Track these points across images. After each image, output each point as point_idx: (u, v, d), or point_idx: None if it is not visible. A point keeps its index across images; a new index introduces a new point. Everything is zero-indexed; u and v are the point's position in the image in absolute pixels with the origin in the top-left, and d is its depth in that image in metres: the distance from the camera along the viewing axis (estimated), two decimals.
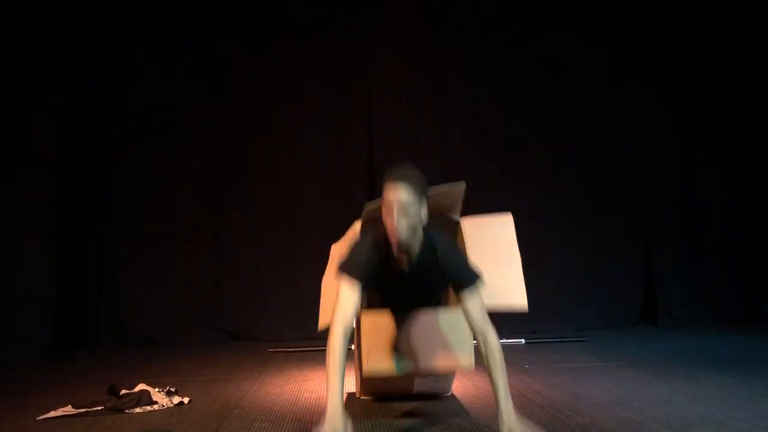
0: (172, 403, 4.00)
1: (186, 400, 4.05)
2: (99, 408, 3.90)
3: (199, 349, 6.11)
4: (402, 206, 2.66)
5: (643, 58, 6.78)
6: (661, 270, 6.58)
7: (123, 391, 4.12)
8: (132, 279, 6.65)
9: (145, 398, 3.99)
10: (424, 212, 2.76)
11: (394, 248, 2.79)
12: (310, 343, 6.06)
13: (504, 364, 2.69)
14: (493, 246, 3.29)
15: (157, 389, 4.12)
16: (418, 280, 2.92)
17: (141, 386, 4.17)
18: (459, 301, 2.76)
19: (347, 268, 2.77)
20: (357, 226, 3.50)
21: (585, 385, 4.06)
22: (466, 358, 3.04)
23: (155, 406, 3.94)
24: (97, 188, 6.67)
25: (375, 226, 2.86)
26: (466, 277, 2.77)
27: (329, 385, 2.64)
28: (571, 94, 6.71)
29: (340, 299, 2.72)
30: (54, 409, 3.84)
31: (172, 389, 4.19)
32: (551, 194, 6.63)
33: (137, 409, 3.88)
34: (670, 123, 6.76)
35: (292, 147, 6.78)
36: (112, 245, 6.69)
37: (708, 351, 5.07)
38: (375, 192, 6.71)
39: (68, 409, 3.86)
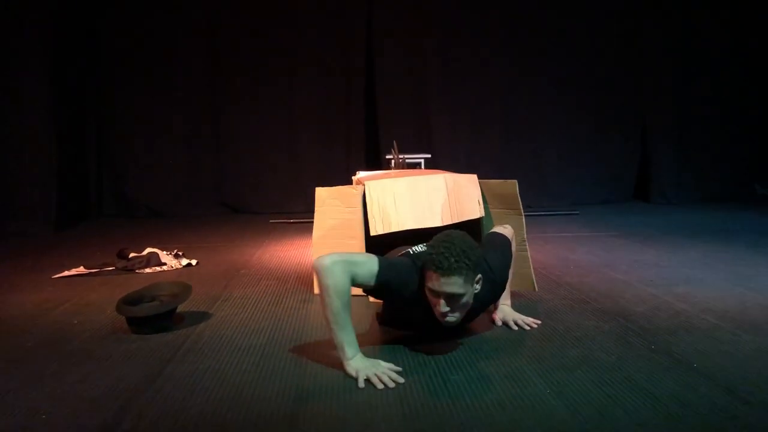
0: (180, 264, 4.18)
1: (194, 262, 4.23)
2: (110, 268, 4.08)
3: (201, 221, 6.28)
4: (454, 300, 2.21)
5: None
6: (655, 151, 6.69)
7: (132, 255, 4.29)
8: (133, 156, 6.73)
9: (154, 260, 4.16)
10: (477, 287, 2.29)
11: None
12: (310, 215, 6.22)
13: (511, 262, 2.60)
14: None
15: (165, 252, 4.29)
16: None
17: (149, 250, 4.34)
18: None
19: (382, 265, 2.30)
20: (357, 186, 3.26)
21: (576, 252, 4.24)
22: (475, 209, 3.06)
23: (164, 267, 4.11)
24: (97, 67, 6.63)
25: (407, 283, 2.33)
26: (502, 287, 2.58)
27: (340, 333, 2.22)
28: None
29: (359, 261, 2.29)
30: (68, 270, 4.01)
31: (180, 252, 4.36)
32: (553, 76, 6.66)
33: (147, 270, 4.05)
34: (671, 7, 6.66)
35: (289, 38, 6.70)
36: (112, 122, 6.73)
37: (695, 224, 5.25)
38: (372, 77, 6.73)
39: (81, 270, 4.03)
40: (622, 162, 6.83)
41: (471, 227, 3.07)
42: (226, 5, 6.70)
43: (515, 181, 3.06)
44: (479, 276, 2.25)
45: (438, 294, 2.20)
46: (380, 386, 2.08)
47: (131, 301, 2.80)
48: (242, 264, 4.18)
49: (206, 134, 6.83)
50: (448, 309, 2.20)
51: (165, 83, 6.70)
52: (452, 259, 2.14)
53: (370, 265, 2.27)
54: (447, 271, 2.15)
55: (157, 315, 2.69)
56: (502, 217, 3.08)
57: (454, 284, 2.16)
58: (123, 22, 6.61)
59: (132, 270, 4.04)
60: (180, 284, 2.98)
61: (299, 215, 6.26)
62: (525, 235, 3.01)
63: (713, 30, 6.59)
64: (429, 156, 5.97)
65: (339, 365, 2.22)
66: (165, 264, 4.14)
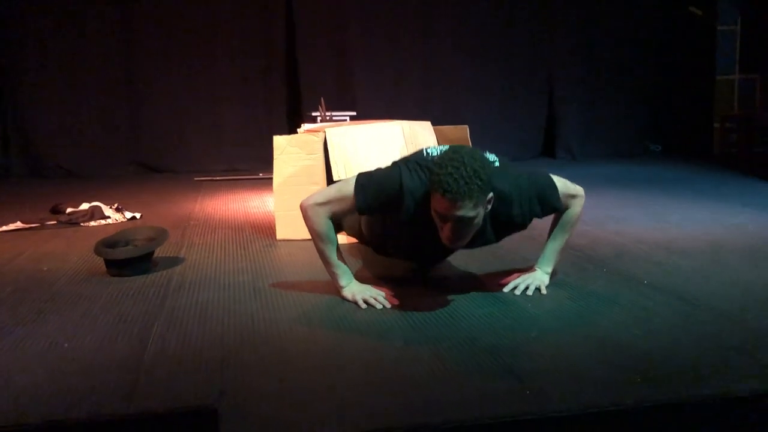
0: (124, 217, 4.18)
1: (138, 215, 4.23)
2: (53, 222, 4.03)
3: (122, 180, 6.17)
4: (464, 224, 2.09)
5: None
6: (562, 110, 7.13)
7: (69, 209, 4.24)
8: (43, 112, 6.47)
9: (98, 213, 4.14)
10: (486, 208, 2.15)
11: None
12: (234, 174, 6.29)
13: (570, 233, 2.52)
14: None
15: (106, 206, 4.27)
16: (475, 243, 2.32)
17: (86, 204, 4.30)
18: None
19: (364, 198, 2.24)
20: (318, 132, 3.34)
21: None
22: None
23: (109, 221, 4.10)
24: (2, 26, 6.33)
25: (412, 193, 2.21)
26: (550, 210, 2.42)
27: (330, 267, 2.35)
28: None
29: (336, 200, 2.29)
30: (5, 225, 3.92)
31: (120, 206, 4.34)
32: (465, 38, 6.94)
33: (92, 223, 4.03)
34: None
35: None
36: (19, 80, 6.43)
37: (602, 175, 5.70)
38: (292, 27, 6.78)
39: (19, 225, 3.96)
40: (529, 121, 7.23)
41: None
42: None
43: (466, 126, 3.30)
44: (491, 195, 2.11)
45: (446, 218, 2.07)
46: (379, 306, 2.28)
47: (107, 245, 2.85)
48: (187, 216, 4.23)
49: (121, 93, 6.65)
50: (453, 235, 2.10)
51: (77, 40, 6.46)
52: (461, 182, 1.98)
53: (347, 204, 2.26)
54: (455, 196, 1.99)
55: (139, 257, 2.76)
56: None
57: (463, 208, 2.02)
58: None
59: (77, 223, 4.01)
60: (154, 228, 3.04)
61: (222, 174, 6.29)
62: None
63: None
64: (354, 113, 6.14)
65: (335, 292, 2.40)
66: (109, 217, 4.13)
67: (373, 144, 3.24)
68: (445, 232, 2.12)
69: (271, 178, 5.94)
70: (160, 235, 2.93)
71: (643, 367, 1.75)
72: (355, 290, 2.35)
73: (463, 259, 2.83)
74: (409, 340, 2.01)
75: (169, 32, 6.62)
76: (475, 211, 2.06)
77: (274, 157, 3.39)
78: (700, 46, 6.99)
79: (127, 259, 2.74)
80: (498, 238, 2.38)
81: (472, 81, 7.02)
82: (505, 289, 2.44)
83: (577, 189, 2.51)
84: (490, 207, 2.16)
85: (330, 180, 3.19)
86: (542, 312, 2.22)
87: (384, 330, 2.09)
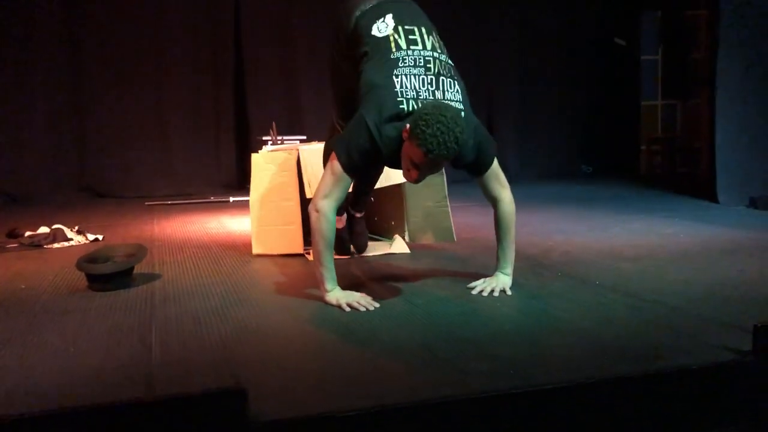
0: (87, 239, 4.23)
1: (100, 237, 4.29)
2: (14, 245, 4.05)
3: (69, 205, 6.14)
4: (429, 174, 2.40)
5: None
6: (500, 131, 7.49)
7: (27, 233, 4.26)
8: None
9: (60, 235, 4.17)
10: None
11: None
12: (183, 198, 6.36)
13: (514, 231, 2.70)
14: None
15: (67, 228, 4.30)
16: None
17: (44, 228, 4.32)
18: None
19: (345, 163, 2.44)
20: (291, 150, 3.48)
21: (456, 216, 4.80)
22: (398, 175, 3.44)
23: (72, 243, 4.14)
24: None
25: (381, 119, 2.40)
26: (482, 166, 2.59)
27: (322, 277, 2.52)
28: None
29: (333, 183, 2.46)
30: None
31: (81, 229, 4.39)
32: None
33: (55, 245, 4.06)
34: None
35: (156, 9, 6.73)
36: None
37: (546, 194, 6.03)
38: (240, 51, 6.94)
39: None
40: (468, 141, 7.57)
41: (393, 189, 3.51)
42: None
43: None
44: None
45: (417, 167, 2.31)
46: (362, 309, 2.46)
47: (88, 261, 2.94)
48: (150, 238, 4.30)
49: (66, 117, 6.65)
50: (421, 177, 2.36)
51: (21, 63, 6.45)
52: (443, 147, 2.21)
53: (342, 182, 2.45)
54: (437, 157, 2.23)
55: (122, 271, 2.87)
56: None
57: (439, 165, 2.33)
58: None
59: (40, 245, 4.04)
60: (132, 245, 3.15)
61: (169, 198, 6.35)
62: (446, 193, 3.50)
63: (547, 21, 7.50)
64: (304, 137, 6.32)
65: (319, 299, 2.57)
66: (71, 239, 4.17)
67: None
68: (411, 174, 2.37)
69: (223, 202, 6.15)
70: (139, 251, 3.03)
71: (604, 348, 2.00)
72: (339, 295, 2.53)
73: (432, 267, 3.05)
74: (396, 335, 2.20)
75: (116, 55, 6.68)
76: (445, 165, 2.39)
77: (252, 174, 3.52)
78: (626, 74, 7.51)
79: (111, 273, 2.84)
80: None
81: None
82: (473, 292, 2.66)
83: (506, 182, 2.70)
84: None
85: (303, 197, 3.36)
86: (512, 310, 2.45)
87: (371, 328, 2.27)
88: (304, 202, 3.41)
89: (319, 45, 7.06)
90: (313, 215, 2.50)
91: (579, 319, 2.30)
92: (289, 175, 3.42)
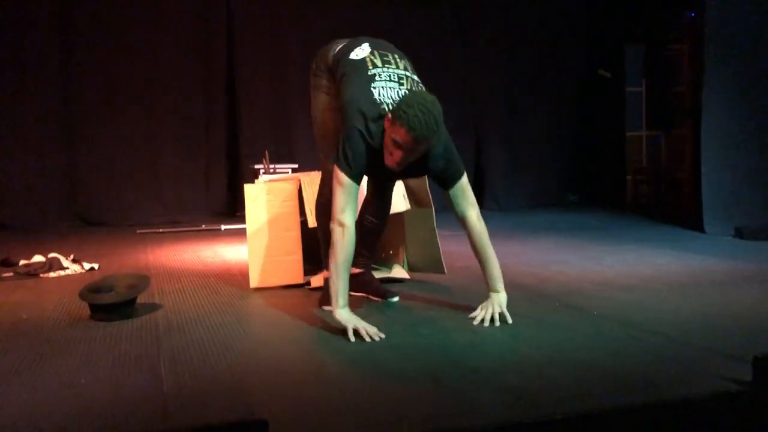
0: (83, 268, 4.23)
1: (96, 266, 4.29)
2: (9, 274, 4.04)
3: (60, 233, 6.14)
4: (413, 155, 2.55)
5: None
6: (488, 162, 7.59)
7: (22, 262, 4.26)
8: None
9: (56, 264, 4.18)
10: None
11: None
12: (174, 225, 6.38)
13: (491, 247, 2.80)
14: None
15: (63, 257, 4.31)
16: (402, 172, 2.76)
17: (39, 256, 4.32)
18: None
19: (348, 169, 2.59)
20: (292, 181, 3.56)
21: (448, 246, 4.86)
22: (402, 203, 3.53)
23: (68, 272, 4.15)
24: None
25: (366, 119, 2.61)
26: (450, 178, 2.75)
27: (336, 290, 2.57)
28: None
29: (344, 194, 2.59)
30: None
31: (77, 258, 4.39)
32: None
33: (51, 274, 4.07)
34: (498, 26, 7.62)
35: (148, 37, 6.79)
36: None
37: (536, 224, 6.12)
38: (232, 80, 7.01)
39: None
40: None
41: (393, 220, 3.56)
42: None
43: (425, 176, 3.58)
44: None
45: (400, 147, 2.50)
46: (368, 339, 2.49)
47: (92, 291, 2.95)
48: (145, 267, 4.31)
49: (57, 145, 6.66)
50: (401, 160, 2.53)
51: (12, 89, 6.48)
52: (425, 126, 2.44)
53: (351, 188, 2.60)
54: (418, 136, 2.45)
55: (126, 302, 2.88)
56: (415, 208, 3.59)
57: (421, 145, 2.50)
58: None
59: (36, 275, 4.03)
60: (134, 275, 3.17)
61: (160, 226, 6.35)
62: (435, 225, 3.55)
63: (534, 53, 7.65)
64: (296, 166, 6.37)
65: (328, 327, 2.60)
66: (67, 268, 4.18)
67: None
68: (394, 156, 2.54)
69: (215, 230, 6.15)
70: (141, 282, 3.05)
71: (608, 379, 2.05)
72: (348, 318, 2.55)
73: (432, 296, 3.10)
74: (404, 366, 2.24)
75: (106, 82, 6.71)
76: (425, 149, 2.55)
77: (246, 205, 3.54)
78: (611, 105, 7.65)
79: (115, 303, 2.85)
80: (409, 175, 2.94)
81: None
82: (475, 323, 2.71)
83: (475, 202, 2.86)
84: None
85: (304, 227, 3.40)
86: (516, 340, 2.50)
87: (379, 358, 2.31)
88: (304, 232, 3.46)
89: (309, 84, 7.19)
90: (338, 230, 2.58)
91: (582, 350, 2.35)
92: (291, 205, 3.45)
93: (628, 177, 7.59)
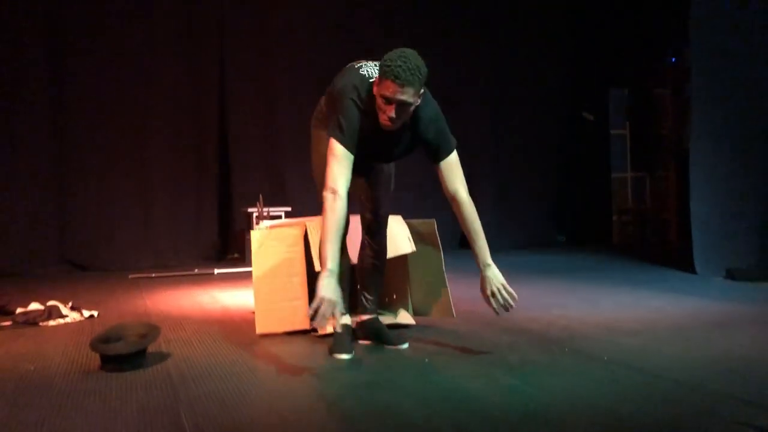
0: (82, 316, 4.20)
1: (95, 313, 4.27)
2: (8, 323, 4.00)
3: (51, 278, 6.09)
4: (404, 107, 2.65)
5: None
6: (479, 203, 7.65)
7: (19, 310, 4.21)
8: None
9: (56, 312, 4.14)
10: (419, 100, 2.72)
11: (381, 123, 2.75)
12: (166, 270, 6.35)
13: (479, 222, 2.96)
14: None
15: (62, 305, 4.27)
16: (395, 142, 2.91)
17: (36, 304, 4.29)
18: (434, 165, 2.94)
19: (342, 138, 2.71)
20: (297, 227, 3.60)
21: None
22: (407, 245, 3.58)
23: (67, 320, 4.11)
24: None
25: (359, 90, 2.76)
26: (440, 149, 2.88)
27: (325, 253, 2.62)
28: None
29: (338, 165, 2.69)
30: None
31: (75, 305, 4.36)
32: None
33: (51, 322, 4.03)
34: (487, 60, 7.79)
35: (139, 72, 6.84)
36: None
37: (527, 265, 6.18)
38: (224, 125, 7.07)
39: None
40: (445, 211, 7.72)
41: (397, 263, 3.60)
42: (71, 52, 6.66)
43: (433, 220, 3.64)
44: (423, 89, 2.71)
45: (391, 101, 2.61)
46: (323, 324, 2.54)
47: (101, 341, 2.94)
48: (145, 314, 4.30)
49: (48, 189, 6.65)
50: (394, 115, 2.63)
51: (5, 130, 6.49)
52: (408, 72, 2.56)
53: (344, 160, 2.70)
54: (403, 82, 2.56)
55: (138, 352, 2.88)
56: (422, 251, 3.63)
57: (406, 93, 2.59)
58: None
59: (35, 323, 4.00)
60: (144, 324, 3.16)
61: (152, 270, 6.33)
62: (444, 268, 3.60)
63: (519, 96, 7.81)
64: (289, 209, 6.41)
65: (342, 377, 2.62)
66: (67, 316, 4.15)
67: (352, 236, 3.51)
68: (387, 113, 2.65)
69: (208, 274, 6.14)
70: (151, 331, 3.04)
71: (625, 425, 2.10)
72: (325, 289, 2.51)
73: (439, 342, 3.13)
74: (424, 414, 2.25)
75: (99, 127, 6.74)
76: (413, 98, 2.64)
77: (252, 251, 3.56)
78: (597, 147, 7.82)
79: (127, 354, 2.84)
80: (406, 153, 3.01)
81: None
82: (496, 314, 2.90)
83: (465, 182, 2.98)
84: (419, 101, 2.70)
85: (310, 272, 3.42)
86: (532, 388, 2.51)
87: (401, 409, 2.31)
88: (311, 277, 3.48)
89: (303, 118, 7.25)
90: (330, 197, 2.67)
91: (597, 396, 2.39)
92: (297, 250, 3.48)
93: (614, 217, 7.73)
